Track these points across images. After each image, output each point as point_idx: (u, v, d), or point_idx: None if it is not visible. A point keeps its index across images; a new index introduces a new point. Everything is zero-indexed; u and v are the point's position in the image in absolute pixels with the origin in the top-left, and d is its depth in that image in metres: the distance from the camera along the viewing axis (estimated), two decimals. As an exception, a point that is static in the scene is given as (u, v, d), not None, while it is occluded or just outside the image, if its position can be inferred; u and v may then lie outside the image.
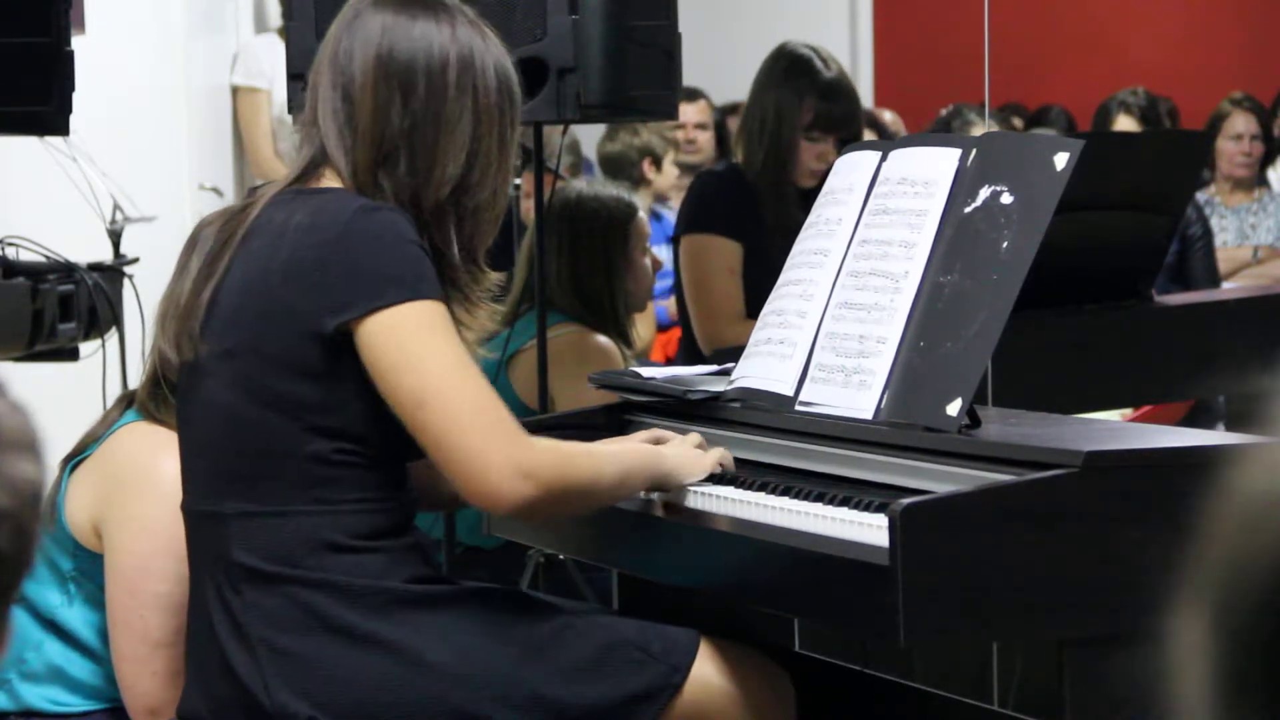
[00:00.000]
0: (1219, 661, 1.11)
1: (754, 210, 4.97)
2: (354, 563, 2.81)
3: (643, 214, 4.92)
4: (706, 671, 2.95)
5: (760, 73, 5.07)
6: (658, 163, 7.71)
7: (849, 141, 4.87)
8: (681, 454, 3.03)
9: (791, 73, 4.99)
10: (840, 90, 5.01)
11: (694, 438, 3.10)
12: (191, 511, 2.92)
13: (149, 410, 3.14)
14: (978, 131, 8.15)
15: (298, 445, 2.80)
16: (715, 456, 3.05)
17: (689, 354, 5.09)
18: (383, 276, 2.77)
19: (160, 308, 2.96)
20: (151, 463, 3.09)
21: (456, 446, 2.75)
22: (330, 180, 2.90)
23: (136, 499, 3.11)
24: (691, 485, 3.01)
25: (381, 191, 2.86)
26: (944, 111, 8.64)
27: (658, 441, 3.09)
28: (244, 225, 2.88)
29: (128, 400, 3.23)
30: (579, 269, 4.78)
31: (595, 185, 5.03)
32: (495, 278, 2.99)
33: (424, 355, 2.76)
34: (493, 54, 2.95)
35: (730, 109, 8.40)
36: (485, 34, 2.96)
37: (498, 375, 4.60)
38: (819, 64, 4.99)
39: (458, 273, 2.91)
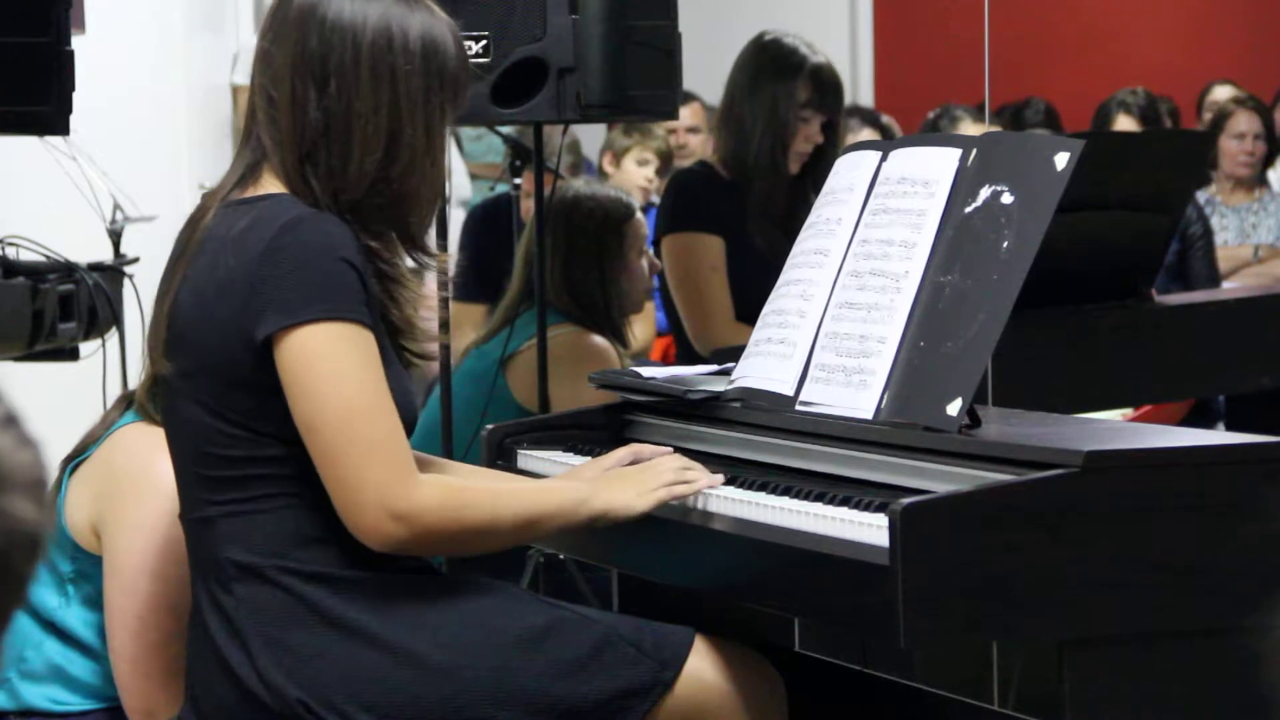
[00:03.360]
0: None
1: (733, 204, 4.98)
2: (340, 552, 2.81)
3: (640, 215, 4.91)
4: (701, 668, 2.94)
5: (746, 66, 5.08)
6: (618, 158, 7.64)
7: (835, 125, 4.95)
8: (618, 491, 2.92)
9: (780, 59, 5.03)
10: (830, 71, 5.10)
11: (667, 461, 3.01)
12: (186, 520, 2.92)
13: (147, 411, 3.13)
14: (963, 130, 8.16)
15: (265, 451, 2.80)
16: (661, 495, 2.93)
17: (687, 357, 5.08)
18: (302, 292, 2.74)
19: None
20: (149, 464, 3.09)
21: (335, 479, 2.75)
22: (269, 182, 2.87)
23: (135, 500, 3.11)
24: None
25: (312, 191, 2.83)
26: (931, 114, 8.63)
27: (637, 457, 3.05)
28: (196, 235, 2.87)
29: (127, 401, 3.23)
30: (573, 268, 4.77)
31: (594, 185, 5.02)
32: (442, 259, 2.97)
33: (324, 381, 2.74)
34: (418, 24, 2.84)
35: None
36: (413, 6, 2.85)
37: (496, 376, 4.60)
38: (805, 49, 5.06)
39: (397, 269, 2.88)
